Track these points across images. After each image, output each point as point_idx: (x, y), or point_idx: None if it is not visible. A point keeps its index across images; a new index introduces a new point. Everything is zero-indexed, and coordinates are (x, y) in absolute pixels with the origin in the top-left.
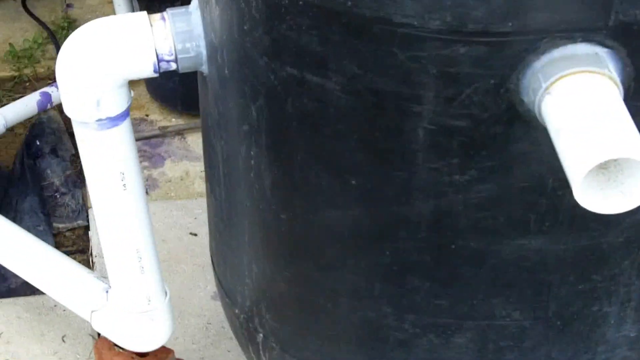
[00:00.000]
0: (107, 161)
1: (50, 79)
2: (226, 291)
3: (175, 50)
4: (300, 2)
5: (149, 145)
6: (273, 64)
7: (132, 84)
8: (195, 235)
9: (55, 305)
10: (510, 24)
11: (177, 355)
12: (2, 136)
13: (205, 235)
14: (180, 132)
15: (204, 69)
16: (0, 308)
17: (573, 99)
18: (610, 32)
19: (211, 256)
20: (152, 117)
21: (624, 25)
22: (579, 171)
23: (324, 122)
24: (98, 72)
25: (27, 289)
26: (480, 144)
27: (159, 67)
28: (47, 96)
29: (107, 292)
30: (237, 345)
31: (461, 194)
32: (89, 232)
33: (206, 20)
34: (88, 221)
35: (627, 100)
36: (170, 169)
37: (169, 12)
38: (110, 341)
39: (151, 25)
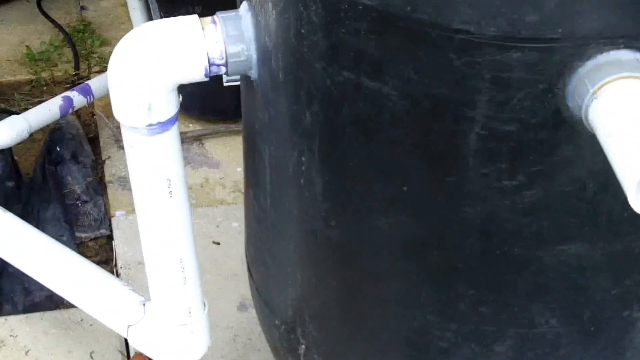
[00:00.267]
0: (155, 167)
1: (67, 82)
2: (265, 301)
3: (226, 54)
4: (360, 7)
5: None
6: (330, 69)
7: None
8: (218, 244)
9: (82, 320)
10: (560, 30)
11: None
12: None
13: (228, 244)
14: (198, 138)
15: (253, 73)
16: (26, 324)
17: (622, 103)
18: None
19: (248, 265)
20: None
21: None
22: (634, 176)
23: (379, 128)
24: (151, 77)
25: (51, 303)
26: (528, 149)
27: (209, 71)
28: (69, 100)
29: (144, 305)
30: (265, 358)
31: (508, 199)
32: (113, 242)
33: (260, 24)
34: (111, 230)
35: None
36: (190, 176)
37: (219, 16)
38: (146, 357)
39: (203, 29)
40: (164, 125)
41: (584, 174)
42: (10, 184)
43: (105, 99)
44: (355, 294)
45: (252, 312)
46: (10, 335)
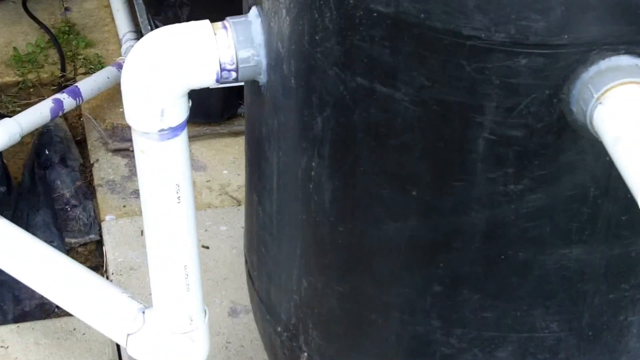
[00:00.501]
0: (165, 173)
1: (53, 84)
2: (268, 308)
3: (237, 59)
4: (375, 14)
5: None
6: (343, 75)
7: None
8: (207, 248)
9: (74, 329)
10: (566, 36)
11: None
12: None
13: (217, 249)
14: None
15: (262, 78)
16: (18, 334)
17: (628, 108)
18: None
19: (248, 272)
20: None
21: None
22: None
23: (390, 133)
24: (164, 82)
25: (41, 312)
26: (534, 154)
27: (220, 76)
28: (59, 103)
29: (143, 312)
30: None
31: (514, 204)
32: (103, 248)
33: (272, 30)
34: (100, 235)
35: None
36: None
37: (229, 21)
38: None
39: (215, 34)
40: (175, 131)
41: (586, 178)
42: (1, 189)
43: (93, 101)
44: (360, 300)
45: (244, 318)
46: (1, 347)
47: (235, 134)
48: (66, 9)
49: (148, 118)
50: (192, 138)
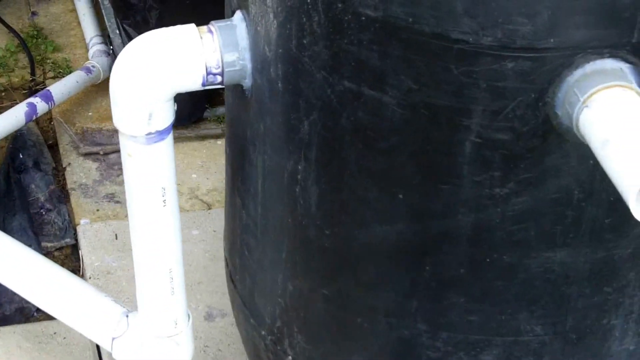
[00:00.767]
0: (151, 176)
1: (24, 88)
2: (251, 311)
3: (222, 63)
4: (363, 18)
5: None
6: (331, 78)
7: (103, 93)
8: None
9: (55, 333)
10: (552, 40)
11: None
12: None
13: (190, 253)
14: None
15: (246, 82)
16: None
17: (615, 112)
18: (633, 48)
19: (230, 275)
20: None
21: None
22: (635, 183)
23: (377, 136)
24: (153, 86)
25: (21, 316)
26: (519, 157)
27: (206, 80)
28: (33, 107)
29: (127, 316)
30: None
31: (500, 207)
32: (80, 252)
33: (259, 34)
34: (76, 239)
35: None
36: None
37: (214, 25)
38: None
39: (201, 38)
40: (161, 134)
41: (570, 181)
42: None
43: (63, 105)
44: (346, 303)
45: (220, 322)
46: None
47: (203, 137)
48: (33, 13)
49: (136, 122)
50: None
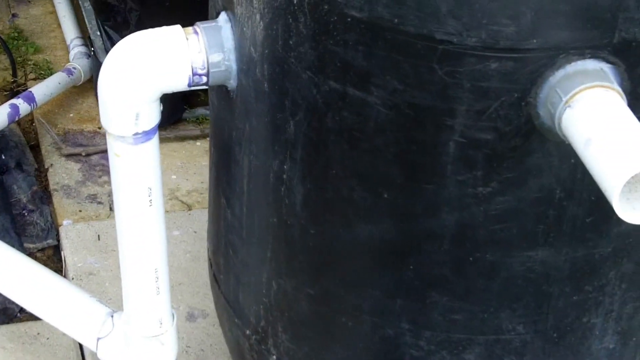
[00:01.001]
0: (137, 176)
1: (5, 90)
2: (235, 311)
3: (208, 63)
4: (348, 19)
5: (107, 159)
6: (317, 79)
7: (84, 95)
8: None
9: (38, 334)
10: (535, 40)
11: None
12: None
13: (171, 254)
14: None
15: (231, 83)
16: None
17: (598, 112)
18: (613, 49)
19: (214, 275)
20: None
21: (625, 42)
22: (618, 182)
23: (362, 136)
24: (140, 87)
25: (4, 316)
26: (502, 157)
27: (192, 80)
28: (15, 108)
29: (112, 316)
30: None
31: (482, 206)
32: (62, 253)
33: (245, 35)
34: (58, 240)
35: None
36: None
37: (200, 26)
38: None
39: (187, 39)
40: (148, 135)
41: (552, 180)
42: None
43: (45, 106)
44: (331, 302)
45: (202, 323)
46: None
47: (182, 138)
48: (13, 15)
49: (123, 122)
50: None
